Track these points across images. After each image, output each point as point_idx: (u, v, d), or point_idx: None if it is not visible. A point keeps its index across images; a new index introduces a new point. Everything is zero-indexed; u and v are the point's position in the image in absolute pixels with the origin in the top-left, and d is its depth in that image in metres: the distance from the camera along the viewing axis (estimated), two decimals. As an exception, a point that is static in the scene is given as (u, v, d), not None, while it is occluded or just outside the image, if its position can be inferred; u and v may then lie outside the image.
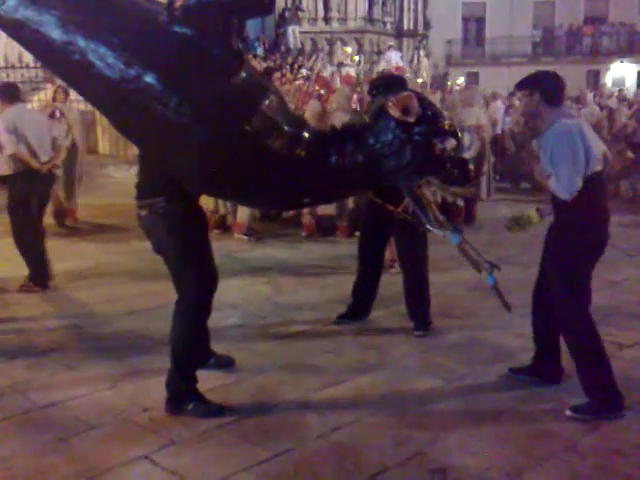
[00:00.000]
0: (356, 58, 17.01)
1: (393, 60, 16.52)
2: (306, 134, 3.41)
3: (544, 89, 3.62)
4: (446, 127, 3.50)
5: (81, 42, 3.05)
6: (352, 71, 14.06)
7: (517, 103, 3.45)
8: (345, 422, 3.56)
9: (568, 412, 3.61)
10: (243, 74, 3.21)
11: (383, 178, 3.50)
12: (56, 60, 3.26)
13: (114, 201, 9.79)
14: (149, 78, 3.05)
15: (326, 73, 13.45)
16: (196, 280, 3.59)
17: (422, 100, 3.46)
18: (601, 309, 3.70)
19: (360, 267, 5.10)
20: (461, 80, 16.98)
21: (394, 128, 3.35)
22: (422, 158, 3.41)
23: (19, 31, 3.18)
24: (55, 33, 3.07)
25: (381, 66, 16.90)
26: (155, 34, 3.14)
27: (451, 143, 3.50)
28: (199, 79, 3.12)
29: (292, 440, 3.38)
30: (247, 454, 3.26)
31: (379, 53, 19.80)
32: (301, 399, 3.83)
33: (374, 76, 13.04)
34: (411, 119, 3.32)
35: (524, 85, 3.69)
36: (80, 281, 6.15)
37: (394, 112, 3.32)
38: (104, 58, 3.04)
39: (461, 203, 8.18)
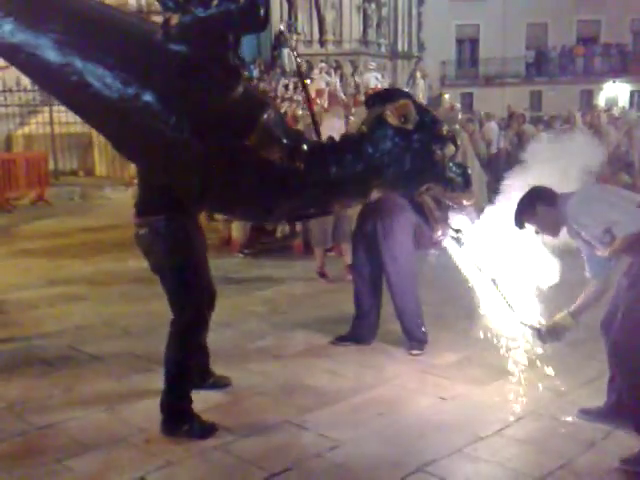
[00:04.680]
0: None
1: (372, 82, 16.26)
2: (305, 146, 3.44)
3: (539, 198, 3.40)
4: (444, 133, 3.50)
5: (78, 63, 3.08)
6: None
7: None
8: (342, 441, 3.55)
9: (619, 465, 3.28)
10: (241, 89, 3.24)
11: (384, 187, 3.52)
12: (54, 82, 3.28)
13: (110, 222, 9.82)
14: (148, 97, 3.08)
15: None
16: (193, 301, 3.59)
17: (419, 107, 3.47)
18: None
19: (357, 284, 5.01)
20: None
21: (393, 136, 3.36)
22: (422, 165, 3.42)
23: (16, 55, 3.20)
24: (52, 56, 3.09)
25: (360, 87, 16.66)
26: (152, 53, 3.17)
27: (450, 149, 3.49)
28: (198, 96, 3.15)
29: (290, 460, 3.37)
30: (244, 474, 3.25)
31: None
32: (298, 419, 3.82)
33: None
34: (409, 126, 3.33)
35: (520, 217, 3.41)
36: (76, 302, 6.13)
37: (392, 120, 3.33)
38: (102, 78, 3.08)
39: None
